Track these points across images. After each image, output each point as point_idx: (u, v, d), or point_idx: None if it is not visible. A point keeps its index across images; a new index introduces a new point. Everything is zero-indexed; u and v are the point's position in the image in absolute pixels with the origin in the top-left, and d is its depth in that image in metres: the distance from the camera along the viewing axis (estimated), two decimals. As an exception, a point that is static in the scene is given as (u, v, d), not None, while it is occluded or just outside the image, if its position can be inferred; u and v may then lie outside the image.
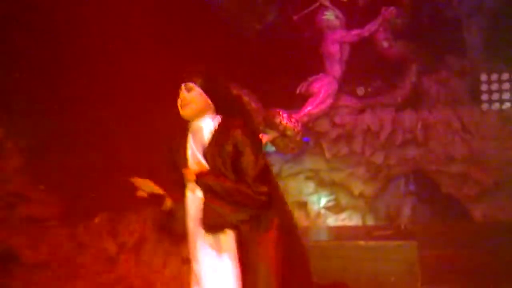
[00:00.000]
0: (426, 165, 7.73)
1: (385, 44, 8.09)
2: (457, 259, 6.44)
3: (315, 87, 7.93)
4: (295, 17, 8.15)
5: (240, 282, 3.10)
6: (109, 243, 6.39)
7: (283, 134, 7.54)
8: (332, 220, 7.83)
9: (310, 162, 7.96)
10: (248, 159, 3.09)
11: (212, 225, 3.12)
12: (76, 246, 6.30)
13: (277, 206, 3.21)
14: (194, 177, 3.14)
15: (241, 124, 3.16)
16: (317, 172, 7.95)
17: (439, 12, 8.29)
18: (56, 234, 6.23)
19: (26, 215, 6.20)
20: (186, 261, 6.15)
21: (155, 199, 3.46)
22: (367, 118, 7.86)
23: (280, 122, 7.49)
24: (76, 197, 6.47)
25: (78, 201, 6.48)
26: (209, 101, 3.20)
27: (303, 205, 7.78)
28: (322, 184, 7.93)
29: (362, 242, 5.93)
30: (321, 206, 7.87)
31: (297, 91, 8.02)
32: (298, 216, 7.33)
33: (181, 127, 3.29)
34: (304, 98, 7.95)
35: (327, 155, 7.88)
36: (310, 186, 7.89)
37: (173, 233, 3.42)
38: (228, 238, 3.12)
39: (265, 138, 7.24)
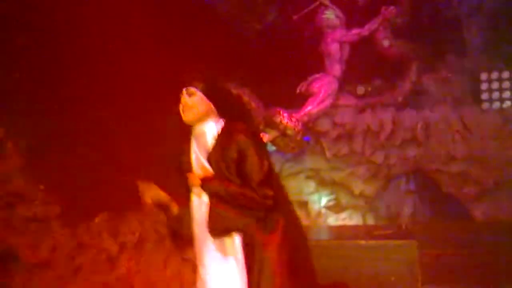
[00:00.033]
0: (426, 165, 7.73)
1: (385, 43, 8.09)
2: (457, 258, 6.46)
3: (315, 86, 7.93)
4: (295, 17, 8.15)
5: (244, 284, 3.10)
6: (109, 243, 6.38)
7: (283, 134, 7.55)
8: (333, 220, 7.83)
9: (310, 162, 7.97)
10: (252, 163, 3.08)
11: (218, 230, 3.12)
12: (77, 246, 6.30)
13: (282, 207, 3.20)
14: (198, 182, 3.14)
15: (244, 128, 3.14)
16: (318, 171, 7.96)
17: (439, 11, 8.30)
18: (57, 234, 6.23)
19: (26, 215, 6.20)
20: (187, 261, 6.19)
21: (160, 205, 3.45)
22: (367, 118, 7.86)
23: (281, 121, 7.51)
24: (76, 197, 6.47)
25: (79, 201, 6.48)
26: (211, 105, 3.19)
27: (304, 204, 7.78)
28: (322, 183, 7.94)
29: (362, 242, 5.92)
30: (321, 206, 7.88)
31: (297, 91, 8.03)
32: (299, 215, 7.31)
33: (183, 130, 3.28)
34: (304, 98, 7.96)
35: (328, 154, 7.89)
36: (311, 185, 7.89)
37: (181, 238, 3.40)
38: (234, 241, 3.12)
39: (265, 137, 7.24)
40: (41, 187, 6.17)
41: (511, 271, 6.07)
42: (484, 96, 7.97)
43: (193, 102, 3.17)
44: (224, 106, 3.24)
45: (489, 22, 8.09)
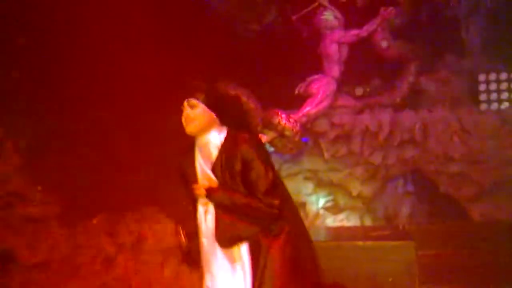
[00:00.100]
0: (424, 165, 7.73)
1: (384, 44, 8.08)
2: (456, 259, 6.46)
3: (314, 87, 7.93)
4: (293, 18, 8.16)
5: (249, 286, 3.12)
6: (107, 243, 6.40)
7: (281, 135, 7.55)
8: (331, 221, 7.82)
9: (308, 163, 7.96)
10: (257, 173, 3.09)
11: (226, 240, 3.14)
12: (75, 246, 6.31)
13: (287, 213, 3.21)
14: (204, 192, 3.16)
15: (247, 139, 3.15)
16: (316, 172, 7.95)
17: (437, 12, 8.30)
18: (55, 234, 6.24)
19: (25, 215, 6.21)
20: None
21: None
22: (366, 118, 7.86)
23: (279, 122, 7.51)
24: (75, 197, 6.49)
25: (77, 201, 6.49)
26: (214, 116, 3.20)
27: (302, 205, 7.76)
28: (320, 184, 7.93)
29: (360, 243, 5.93)
30: (319, 207, 7.87)
31: (296, 92, 8.02)
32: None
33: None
34: (302, 99, 7.95)
35: (326, 155, 7.88)
36: (309, 186, 7.88)
37: (195, 266, 3.39)
38: (240, 249, 3.14)
39: (263, 138, 7.24)
40: (39, 187, 6.18)
41: (509, 271, 6.08)
42: (482, 97, 7.97)
43: (195, 114, 3.17)
44: (226, 115, 3.24)
45: (487, 23, 8.10)
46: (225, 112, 3.23)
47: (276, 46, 7.99)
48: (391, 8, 7.95)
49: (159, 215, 6.58)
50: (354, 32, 8.07)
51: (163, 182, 6.42)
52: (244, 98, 3.35)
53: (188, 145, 3.31)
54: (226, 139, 3.19)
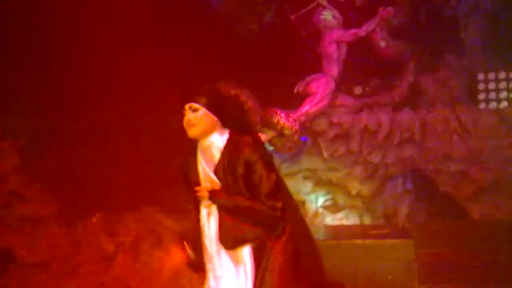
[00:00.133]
0: (423, 164, 7.74)
1: (383, 43, 8.08)
2: (454, 258, 6.47)
3: (313, 86, 7.93)
4: (292, 17, 8.15)
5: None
6: (107, 243, 6.40)
7: (280, 134, 7.56)
8: (330, 219, 7.82)
9: (307, 162, 7.96)
10: (259, 176, 3.10)
11: (230, 242, 3.15)
12: (74, 245, 6.31)
13: (289, 213, 3.22)
14: (207, 195, 3.16)
15: (249, 142, 3.16)
16: (315, 171, 7.95)
17: (436, 11, 8.29)
18: (54, 234, 6.24)
19: (24, 214, 6.21)
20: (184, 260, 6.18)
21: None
22: (365, 118, 7.87)
23: (278, 121, 7.52)
24: (74, 197, 6.48)
25: (76, 201, 6.49)
26: (215, 119, 3.20)
27: (301, 204, 7.75)
28: (319, 183, 7.93)
29: (359, 241, 5.95)
30: (318, 206, 7.88)
31: (295, 91, 8.02)
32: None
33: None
34: (301, 98, 7.95)
35: (325, 154, 7.88)
36: (308, 185, 7.88)
37: (201, 272, 3.39)
38: (243, 251, 3.15)
39: (262, 137, 7.24)
40: (37, 185, 6.18)
41: (508, 270, 6.08)
42: (481, 96, 7.96)
43: (197, 118, 3.17)
44: (228, 117, 3.25)
45: (486, 23, 8.09)
46: (227, 114, 3.24)
47: (275, 46, 7.98)
48: (389, 7, 7.94)
49: (158, 215, 6.58)
50: (353, 31, 8.06)
51: (163, 182, 6.43)
52: (243, 98, 3.36)
53: (189, 147, 3.32)
54: (228, 141, 3.20)
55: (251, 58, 7.73)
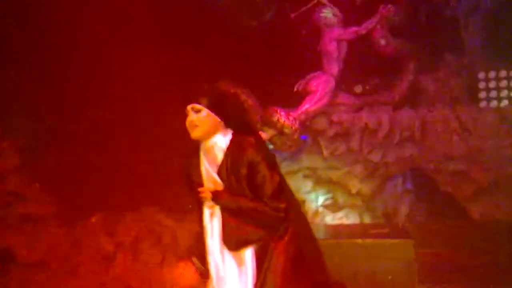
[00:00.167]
0: (423, 164, 7.72)
1: (383, 42, 8.05)
2: (454, 257, 6.47)
3: (313, 85, 7.91)
4: (292, 15, 8.13)
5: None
6: (107, 243, 6.40)
7: (280, 132, 7.54)
8: (330, 219, 7.81)
9: (307, 160, 7.95)
10: (263, 177, 3.11)
11: (233, 243, 3.16)
12: (74, 245, 6.32)
13: (291, 213, 3.21)
14: (210, 196, 3.16)
15: (252, 143, 3.16)
16: (315, 170, 7.94)
17: (437, 10, 8.27)
18: (53, 233, 6.25)
19: (24, 214, 6.21)
20: (183, 260, 6.20)
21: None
22: (365, 116, 7.85)
23: (278, 120, 7.50)
24: (74, 196, 6.48)
25: (76, 200, 6.49)
26: (218, 119, 3.20)
27: (301, 203, 7.72)
28: (319, 182, 7.92)
29: (359, 241, 5.95)
30: (318, 205, 7.87)
31: (295, 89, 8.00)
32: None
33: (186, 139, 3.28)
34: (301, 96, 7.93)
35: (325, 153, 7.87)
36: (308, 184, 7.87)
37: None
38: (246, 252, 3.16)
39: (263, 136, 7.23)
40: (36, 185, 6.18)
41: (508, 270, 6.08)
42: (482, 95, 7.96)
43: (199, 119, 3.17)
44: (230, 117, 3.24)
45: (486, 22, 8.07)
46: (229, 114, 3.23)
47: (275, 44, 7.97)
48: (390, 5, 7.92)
49: (158, 215, 6.59)
50: (353, 29, 8.03)
51: (163, 182, 6.43)
52: (243, 96, 3.35)
53: (192, 148, 3.31)
54: (231, 142, 3.20)
55: (251, 57, 7.72)
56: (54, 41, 6.68)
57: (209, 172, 3.21)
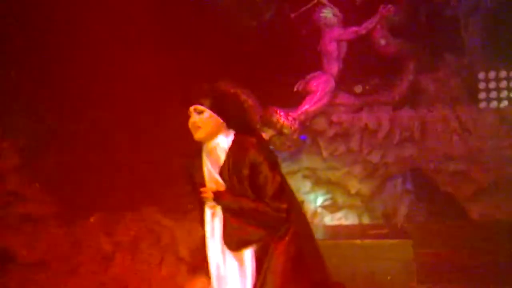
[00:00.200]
0: (423, 164, 7.72)
1: (383, 42, 8.05)
2: (454, 258, 6.48)
3: (313, 85, 7.90)
4: (292, 15, 8.12)
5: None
6: (106, 243, 6.41)
7: (280, 133, 7.54)
8: (329, 219, 7.81)
9: (307, 161, 7.94)
10: (265, 177, 3.13)
11: (234, 243, 3.19)
12: (73, 245, 6.33)
13: (294, 215, 3.24)
14: (212, 196, 3.16)
15: (254, 143, 3.17)
16: (314, 170, 7.93)
17: (437, 10, 8.27)
18: (53, 233, 6.26)
19: (23, 214, 6.22)
20: (182, 260, 6.21)
21: None
22: (365, 116, 7.84)
23: (277, 120, 7.51)
24: (74, 196, 6.49)
25: (76, 200, 6.50)
26: (220, 120, 3.21)
27: (300, 204, 7.75)
28: (319, 182, 7.91)
29: (358, 241, 5.97)
30: (317, 205, 7.86)
31: (295, 89, 8.00)
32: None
33: (185, 139, 3.29)
34: (301, 96, 7.92)
35: (324, 153, 7.86)
36: (307, 184, 7.87)
37: None
38: (245, 252, 3.18)
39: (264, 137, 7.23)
40: (36, 185, 6.19)
41: (508, 270, 6.08)
42: (482, 95, 7.94)
43: (202, 120, 3.18)
44: (232, 117, 3.26)
45: (487, 22, 8.06)
46: (231, 114, 3.25)
47: (275, 44, 7.97)
48: (390, 6, 7.91)
49: (158, 215, 6.60)
50: (353, 29, 8.02)
51: (163, 182, 6.45)
52: (243, 96, 3.36)
53: (194, 149, 3.32)
54: (233, 143, 3.22)
55: (250, 57, 7.72)
56: (54, 41, 6.69)
57: (211, 173, 3.23)
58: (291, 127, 7.50)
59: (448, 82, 8.06)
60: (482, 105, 7.92)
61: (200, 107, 3.18)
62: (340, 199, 7.85)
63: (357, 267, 5.76)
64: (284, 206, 3.11)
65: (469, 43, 8.14)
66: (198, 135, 3.20)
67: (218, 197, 3.17)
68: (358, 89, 8.23)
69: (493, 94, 7.92)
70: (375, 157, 7.75)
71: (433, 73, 8.13)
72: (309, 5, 8.09)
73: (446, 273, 6.31)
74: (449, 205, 7.53)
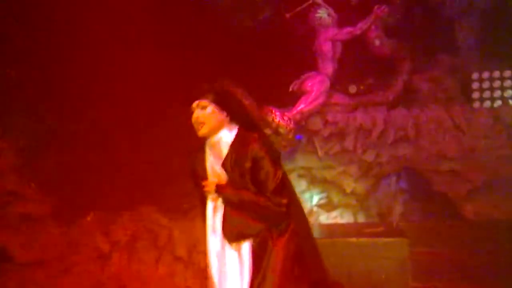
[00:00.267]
0: (417, 163, 7.74)
1: (377, 42, 8.09)
2: (449, 256, 6.50)
3: (308, 85, 7.93)
4: (287, 15, 8.14)
5: (250, 282, 3.17)
6: (102, 242, 6.41)
7: (275, 132, 7.55)
8: (324, 218, 7.82)
9: (302, 160, 7.96)
10: (266, 172, 3.15)
11: (233, 235, 3.20)
12: (70, 244, 6.33)
13: (294, 212, 3.27)
14: (213, 189, 3.19)
15: (257, 138, 3.20)
16: (309, 170, 7.95)
17: (431, 10, 8.31)
18: (50, 233, 6.25)
19: (21, 213, 6.22)
20: (179, 259, 6.22)
21: None
22: (359, 116, 7.87)
23: (273, 120, 7.52)
24: (73, 196, 6.49)
25: (75, 200, 6.50)
26: (224, 115, 3.23)
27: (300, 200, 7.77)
28: (314, 182, 7.93)
29: (353, 240, 5.97)
30: (313, 204, 7.87)
31: (290, 89, 8.02)
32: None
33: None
34: (296, 96, 7.95)
35: (319, 153, 7.89)
36: (302, 184, 7.87)
37: None
38: (246, 248, 3.20)
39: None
40: (32, 184, 6.18)
41: (503, 268, 6.12)
42: (475, 95, 8.00)
43: (205, 115, 3.21)
44: (235, 112, 3.28)
45: (480, 22, 8.12)
46: (234, 109, 3.27)
47: (270, 44, 7.98)
48: (384, 6, 7.95)
49: (155, 214, 6.60)
50: (348, 29, 8.06)
51: (161, 182, 6.46)
52: (238, 96, 3.39)
53: (198, 145, 3.34)
54: (236, 137, 3.25)
55: (246, 56, 7.74)
56: (54, 41, 6.69)
57: (213, 166, 3.26)
58: (286, 127, 7.52)
59: (442, 82, 8.10)
60: (476, 104, 7.97)
61: (204, 102, 3.21)
62: (336, 198, 7.88)
63: (353, 266, 5.76)
64: (285, 201, 3.14)
65: (463, 43, 8.20)
66: (202, 131, 3.23)
67: (219, 189, 3.19)
68: (353, 89, 8.25)
69: (487, 94, 7.98)
70: (369, 157, 7.78)
71: (427, 73, 8.18)
72: (304, 5, 8.12)
73: (441, 272, 6.34)
74: (443, 204, 7.55)
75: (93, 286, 6.21)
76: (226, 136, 3.25)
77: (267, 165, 3.14)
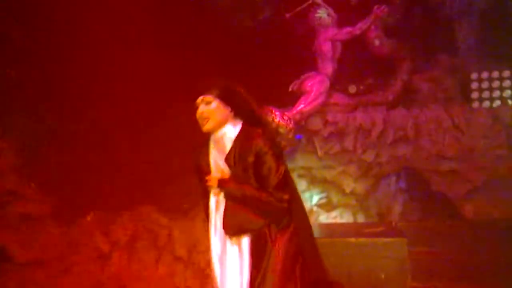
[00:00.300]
0: (417, 163, 7.76)
1: (377, 42, 8.10)
2: (448, 256, 6.50)
3: (308, 85, 7.94)
4: (287, 15, 8.15)
5: (250, 278, 3.17)
6: (102, 242, 6.42)
7: (275, 132, 7.56)
8: (324, 218, 7.82)
9: (302, 160, 7.97)
10: (269, 167, 3.16)
11: (233, 229, 3.21)
12: (70, 244, 6.33)
13: (295, 208, 3.27)
14: (216, 183, 3.20)
15: (260, 134, 3.21)
16: (309, 169, 7.97)
17: (430, 10, 8.32)
18: (50, 233, 6.26)
19: (21, 213, 6.22)
20: (179, 259, 6.22)
21: None
22: (359, 116, 7.88)
23: (273, 120, 7.51)
24: (73, 196, 6.49)
25: (75, 200, 6.50)
26: (228, 109, 3.24)
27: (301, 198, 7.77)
28: (314, 181, 7.94)
29: (353, 239, 5.95)
30: (313, 204, 7.88)
31: (290, 89, 8.03)
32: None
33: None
34: (296, 96, 7.96)
35: (319, 152, 7.90)
36: (302, 183, 7.87)
37: None
38: (246, 244, 3.21)
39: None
40: (32, 184, 6.19)
41: (501, 267, 6.13)
42: (475, 95, 8.01)
43: (210, 110, 3.22)
44: (240, 107, 3.29)
45: (480, 22, 8.14)
46: (238, 104, 3.28)
47: (270, 44, 7.99)
48: (384, 6, 7.96)
49: (155, 214, 6.61)
50: (348, 30, 8.07)
51: (161, 182, 6.46)
52: (242, 91, 3.40)
53: (202, 140, 3.36)
54: (240, 132, 3.26)
55: (246, 56, 7.74)
56: (54, 41, 6.69)
57: (217, 161, 3.27)
58: (286, 127, 7.52)
59: (441, 82, 8.11)
60: (475, 104, 7.99)
61: (208, 97, 3.22)
62: (335, 198, 7.89)
63: (352, 265, 5.75)
64: (286, 196, 3.14)
65: (462, 43, 8.21)
66: (206, 127, 3.25)
67: (222, 184, 3.20)
68: (352, 89, 8.26)
69: (486, 94, 7.99)
70: (369, 156, 7.79)
71: (427, 73, 8.20)
72: (304, 5, 8.13)
73: (441, 271, 6.34)
74: (442, 204, 7.57)
75: (93, 286, 6.22)
76: (230, 131, 3.26)
77: (270, 160, 3.15)
